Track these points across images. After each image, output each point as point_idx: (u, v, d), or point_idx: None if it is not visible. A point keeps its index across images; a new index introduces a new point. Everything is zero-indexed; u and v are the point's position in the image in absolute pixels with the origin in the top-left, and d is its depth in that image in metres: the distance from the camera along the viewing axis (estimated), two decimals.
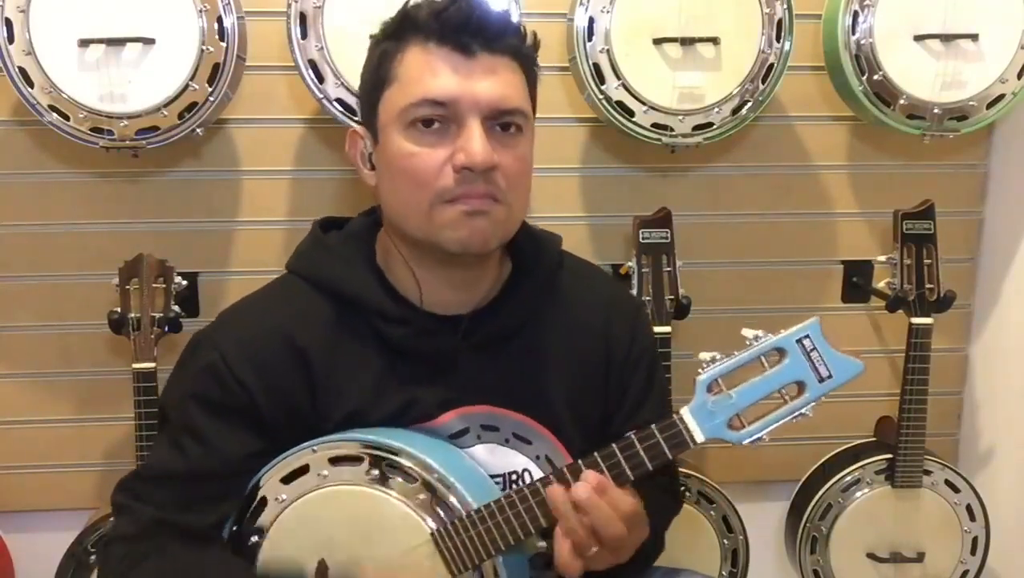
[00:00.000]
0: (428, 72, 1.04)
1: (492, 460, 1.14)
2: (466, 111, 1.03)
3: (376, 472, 1.07)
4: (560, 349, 1.18)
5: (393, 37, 1.08)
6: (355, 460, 1.08)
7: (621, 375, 1.21)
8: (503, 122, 1.06)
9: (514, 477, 1.15)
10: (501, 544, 1.04)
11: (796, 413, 0.98)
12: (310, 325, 1.12)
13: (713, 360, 0.98)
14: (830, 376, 0.97)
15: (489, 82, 1.04)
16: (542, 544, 1.08)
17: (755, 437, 0.98)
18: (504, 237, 1.11)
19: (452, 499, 1.05)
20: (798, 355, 0.96)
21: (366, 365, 1.12)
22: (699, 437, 0.98)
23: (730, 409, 0.97)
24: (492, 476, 1.14)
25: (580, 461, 1.03)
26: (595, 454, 1.02)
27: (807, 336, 0.96)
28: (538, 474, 1.15)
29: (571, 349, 1.18)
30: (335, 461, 1.08)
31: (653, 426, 1.01)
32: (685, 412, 0.99)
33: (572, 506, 0.99)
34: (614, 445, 1.02)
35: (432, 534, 1.05)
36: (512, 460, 1.15)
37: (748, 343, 0.98)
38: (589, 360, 1.19)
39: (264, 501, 1.10)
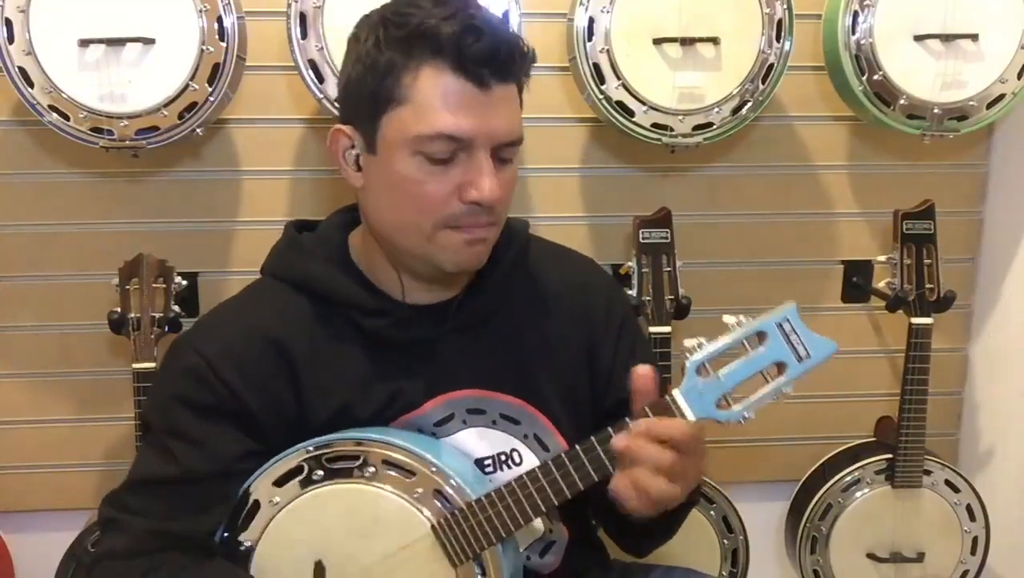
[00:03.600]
0: (444, 105, 1.02)
1: (481, 443, 1.15)
2: (479, 146, 1.04)
3: (372, 469, 1.07)
4: (538, 328, 1.20)
5: (402, 50, 1.03)
6: (351, 458, 1.08)
7: (604, 345, 1.22)
8: (504, 152, 1.07)
9: (503, 458, 1.16)
10: (503, 532, 1.05)
11: (778, 391, 1.03)
12: (290, 324, 1.13)
13: (700, 345, 1.02)
14: (808, 355, 1.02)
15: (502, 117, 1.05)
16: (539, 527, 1.10)
17: (743, 415, 1.03)
18: (491, 250, 1.14)
19: (450, 491, 1.06)
20: (778, 337, 1.02)
21: (349, 360, 1.13)
22: (690, 416, 1.02)
23: (718, 390, 1.02)
24: (482, 458, 1.15)
25: (577, 446, 1.04)
26: (591, 438, 1.04)
27: (786, 319, 1.02)
28: (527, 453, 1.16)
29: (549, 327, 1.20)
30: (331, 460, 1.09)
31: (646, 407, 1.02)
32: (676, 393, 1.02)
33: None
34: (609, 428, 1.03)
35: (432, 527, 1.06)
36: (501, 441, 1.16)
37: (731, 328, 1.02)
38: (569, 337, 1.21)
39: (257, 505, 1.09)
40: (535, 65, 1.75)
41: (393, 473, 1.07)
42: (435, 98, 1.03)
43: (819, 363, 1.03)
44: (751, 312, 1.04)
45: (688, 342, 1.03)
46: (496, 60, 1.03)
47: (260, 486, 1.10)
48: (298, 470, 1.09)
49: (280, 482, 1.09)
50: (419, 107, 1.03)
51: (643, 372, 1.03)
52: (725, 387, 1.02)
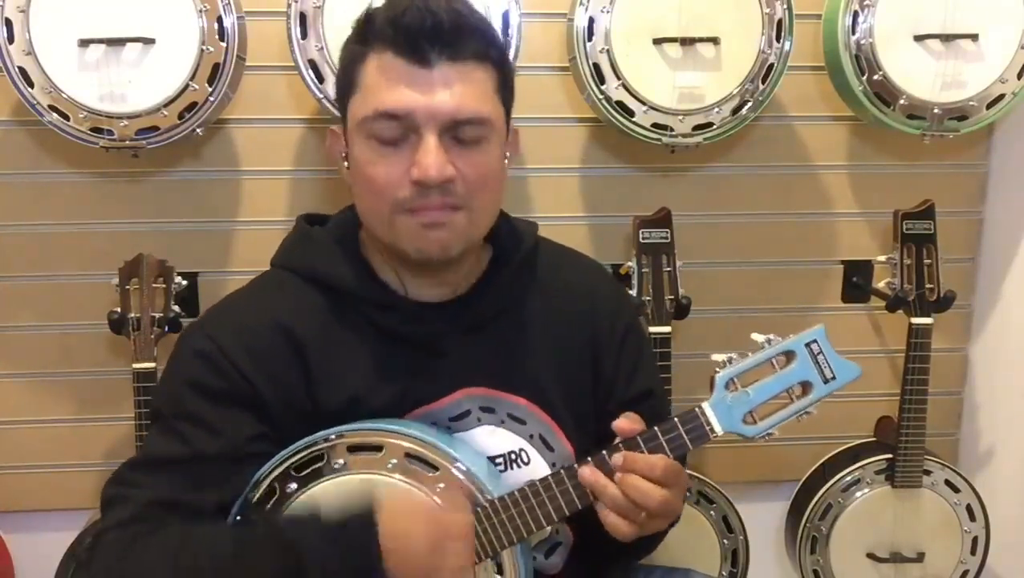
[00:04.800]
0: (384, 84, 1.04)
1: (492, 441, 1.16)
2: (422, 123, 1.03)
3: (395, 461, 1.07)
4: (546, 331, 1.20)
5: (359, 41, 1.07)
6: (373, 449, 1.08)
7: (608, 351, 1.23)
8: (462, 132, 1.05)
9: (512, 457, 1.16)
10: (524, 532, 1.05)
11: (802, 410, 1.06)
12: (302, 314, 1.13)
13: (729, 360, 1.05)
14: (833, 377, 1.06)
15: (447, 93, 1.03)
16: (546, 529, 1.10)
17: (767, 431, 1.06)
18: (469, 241, 1.11)
19: (472, 488, 1.06)
20: (806, 358, 1.05)
21: (359, 352, 1.12)
22: (718, 430, 1.05)
23: (746, 405, 1.05)
24: (493, 457, 1.15)
25: (605, 452, 1.05)
26: (620, 445, 1.05)
27: (815, 341, 1.06)
28: (534, 454, 1.16)
29: (556, 330, 1.20)
30: (353, 449, 1.08)
31: (675, 418, 1.05)
32: (706, 406, 1.05)
33: (605, 485, 1.03)
34: (638, 437, 1.05)
35: None
36: (509, 441, 1.16)
37: (762, 345, 1.06)
38: (575, 340, 1.21)
39: (273, 490, 1.09)
40: (535, 65, 1.75)
41: (415, 466, 1.07)
42: (378, 79, 1.04)
43: (843, 385, 1.06)
44: (754, 325, 1.08)
45: (718, 357, 1.06)
46: (425, 31, 1.01)
47: (277, 472, 1.09)
48: (319, 457, 1.08)
49: (299, 468, 1.08)
50: (366, 90, 1.05)
51: (621, 427, 1.05)
52: (753, 403, 1.05)
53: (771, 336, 1.06)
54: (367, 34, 1.06)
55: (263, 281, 1.20)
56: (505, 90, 1.11)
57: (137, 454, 1.13)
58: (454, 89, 1.03)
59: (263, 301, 1.15)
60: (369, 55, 1.05)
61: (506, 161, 1.14)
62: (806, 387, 1.06)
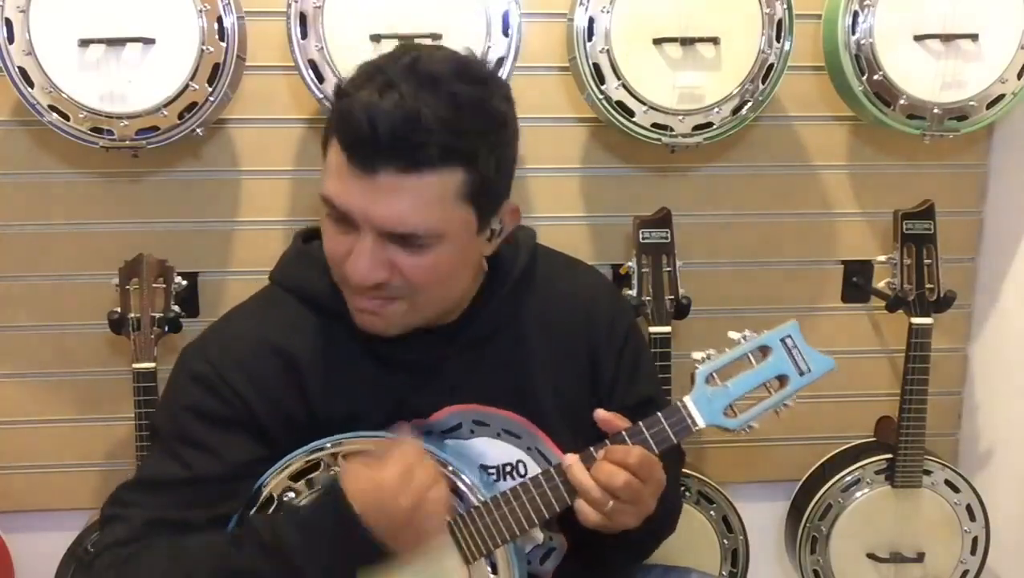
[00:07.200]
0: (334, 175, 1.00)
1: (489, 452, 1.16)
2: (360, 224, 1.00)
3: None
4: (543, 343, 1.20)
5: (330, 114, 1.04)
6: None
7: (606, 359, 1.23)
8: (403, 240, 1.00)
9: (508, 469, 1.17)
10: (516, 530, 1.07)
11: (780, 403, 1.10)
12: (298, 335, 1.13)
13: (708, 357, 1.09)
14: (808, 370, 1.09)
15: (388, 205, 0.97)
16: (539, 535, 1.13)
17: (748, 423, 1.09)
18: (419, 320, 1.10)
19: (464, 489, 1.08)
20: (781, 352, 1.09)
21: (356, 372, 1.13)
22: (700, 423, 1.08)
23: (726, 399, 1.08)
24: (488, 467, 1.16)
25: (592, 448, 1.07)
26: (607, 442, 1.07)
27: (789, 335, 1.09)
28: (532, 466, 1.17)
29: (553, 341, 1.20)
30: (349, 457, 1.09)
31: (659, 413, 1.07)
32: (687, 400, 1.08)
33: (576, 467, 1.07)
34: (624, 432, 1.07)
35: (448, 523, 1.07)
36: (507, 452, 1.17)
37: (738, 341, 1.09)
38: (573, 349, 1.21)
39: (271, 499, 1.10)
40: (535, 65, 1.74)
41: None
42: (331, 165, 1.01)
43: (818, 378, 1.10)
44: (753, 325, 1.10)
45: (697, 353, 1.09)
46: (373, 141, 0.94)
47: (275, 481, 1.10)
48: (316, 465, 1.10)
49: (296, 477, 1.10)
50: (326, 166, 1.02)
51: (603, 417, 1.08)
52: (732, 396, 1.08)
53: (746, 332, 1.10)
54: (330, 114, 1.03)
55: (261, 300, 1.20)
56: (478, 189, 1.01)
57: (136, 474, 1.14)
58: (399, 200, 0.97)
59: (261, 323, 1.15)
60: (331, 135, 1.01)
61: (490, 237, 1.09)
62: (783, 380, 1.09)
